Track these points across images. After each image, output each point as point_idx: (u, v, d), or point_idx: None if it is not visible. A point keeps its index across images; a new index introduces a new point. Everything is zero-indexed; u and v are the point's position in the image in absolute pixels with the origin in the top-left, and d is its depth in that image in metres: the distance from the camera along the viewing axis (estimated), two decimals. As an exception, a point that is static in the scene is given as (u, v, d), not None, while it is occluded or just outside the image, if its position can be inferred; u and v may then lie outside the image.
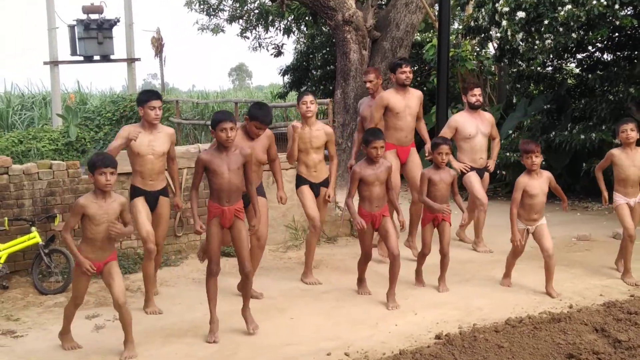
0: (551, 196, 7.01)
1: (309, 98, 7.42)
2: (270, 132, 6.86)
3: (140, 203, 6.49)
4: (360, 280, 7.00)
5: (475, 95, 8.37)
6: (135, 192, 6.53)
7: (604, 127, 10.71)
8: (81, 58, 17.81)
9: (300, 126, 7.35)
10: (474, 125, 8.39)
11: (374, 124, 8.04)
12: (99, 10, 17.76)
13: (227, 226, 5.84)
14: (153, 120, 6.49)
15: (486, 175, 8.63)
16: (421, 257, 7.15)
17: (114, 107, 19.33)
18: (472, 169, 8.42)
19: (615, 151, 7.21)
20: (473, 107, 8.40)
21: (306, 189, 7.46)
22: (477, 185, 8.35)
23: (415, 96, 8.17)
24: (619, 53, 12.56)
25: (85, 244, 5.35)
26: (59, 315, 6.41)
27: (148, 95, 6.58)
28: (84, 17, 17.36)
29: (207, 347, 5.57)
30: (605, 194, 7.35)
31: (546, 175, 6.78)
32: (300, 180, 7.53)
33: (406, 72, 7.97)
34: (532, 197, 6.67)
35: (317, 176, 7.49)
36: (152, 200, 6.56)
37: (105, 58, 17.83)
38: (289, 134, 7.39)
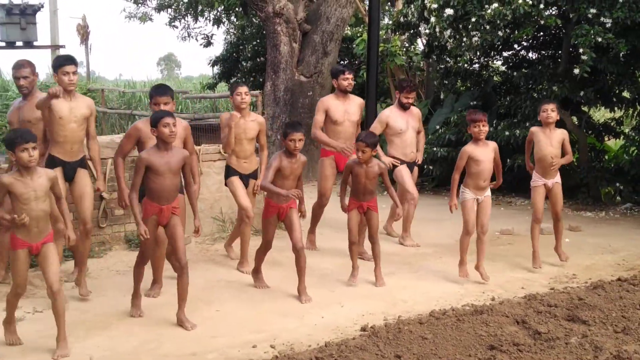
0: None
1: (243, 89, 7.41)
2: (186, 124, 6.72)
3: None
4: (257, 272, 6.92)
5: (409, 98, 8.47)
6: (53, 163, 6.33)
7: (527, 124, 10.94)
8: (3, 44, 17.23)
9: (239, 115, 7.30)
10: (404, 120, 8.47)
11: (318, 127, 8.03)
12: (22, -5, 17.25)
13: (164, 224, 5.84)
14: (67, 87, 6.32)
15: (415, 169, 8.73)
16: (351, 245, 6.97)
17: (37, 95, 18.83)
18: (402, 162, 8.51)
19: (534, 129, 7.47)
20: (404, 108, 8.50)
21: (236, 180, 7.44)
22: (407, 179, 8.44)
23: (355, 103, 8.11)
24: (543, 52, 12.86)
25: (18, 225, 5.08)
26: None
27: (61, 61, 6.39)
28: (6, 1, 16.81)
29: (130, 340, 5.48)
30: (530, 164, 7.65)
31: (492, 145, 7.03)
32: (229, 172, 7.50)
33: (348, 79, 7.94)
34: (479, 164, 6.88)
35: (247, 167, 7.48)
36: (70, 171, 6.43)
37: (29, 44, 17.26)
38: (222, 123, 7.35)
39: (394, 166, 8.45)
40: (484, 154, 6.92)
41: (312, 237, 8.45)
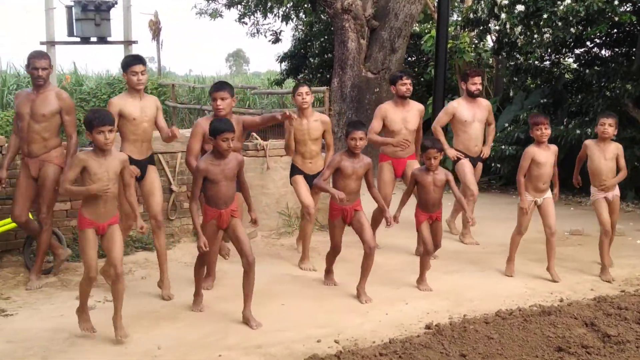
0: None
1: (304, 89, 7.44)
2: (238, 117, 6.69)
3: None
4: (328, 272, 6.89)
5: (476, 83, 8.32)
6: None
7: (600, 123, 10.70)
8: (78, 39, 17.65)
9: (296, 117, 7.15)
10: (471, 112, 8.36)
11: (373, 132, 7.79)
12: (96, -9, 17.62)
13: (224, 228, 5.83)
14: (136, 86, 6.43)
15: (479, 164, 8.61)
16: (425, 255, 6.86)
17: (109, 89, 19.30)
18: (465, 157, 8.42)
19: (588, 142, 7.28)
20: (472, 95, 8.37)
21: (300, 178, 7.47)
22: (470, 175, 8.32)
23: (414, 109, 7.93)
24: (616, 49, 12.57)
25: (86, 203, 5.20)
26: (50, 296, 6.43)
27: (129, 60, 6.50)
28: (81, -2, 17.23)
29: (197, 331, 5.57)
30: (578, 178, 7.68)
31: (553, 148, 6.97)
32: (294, 170, 7.55)
33: (407, 85, 7.77)
34: (540, 167, 6.85)
35: (312, 168, 7.48)
36: (142, 169, 6.53)
37: (102, 40, 17.64)
38: (286, 126, 7.31)
39: (457, 159, 8.37)
40: (545, 156, 6.86)
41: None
